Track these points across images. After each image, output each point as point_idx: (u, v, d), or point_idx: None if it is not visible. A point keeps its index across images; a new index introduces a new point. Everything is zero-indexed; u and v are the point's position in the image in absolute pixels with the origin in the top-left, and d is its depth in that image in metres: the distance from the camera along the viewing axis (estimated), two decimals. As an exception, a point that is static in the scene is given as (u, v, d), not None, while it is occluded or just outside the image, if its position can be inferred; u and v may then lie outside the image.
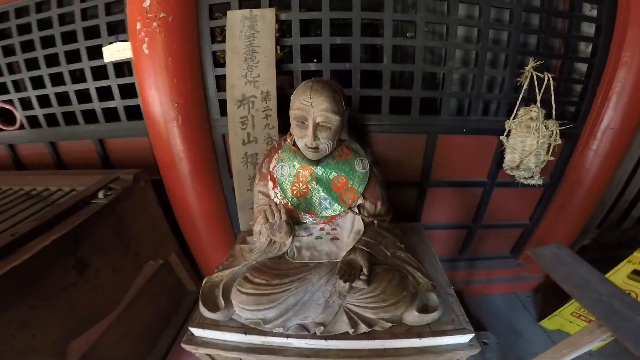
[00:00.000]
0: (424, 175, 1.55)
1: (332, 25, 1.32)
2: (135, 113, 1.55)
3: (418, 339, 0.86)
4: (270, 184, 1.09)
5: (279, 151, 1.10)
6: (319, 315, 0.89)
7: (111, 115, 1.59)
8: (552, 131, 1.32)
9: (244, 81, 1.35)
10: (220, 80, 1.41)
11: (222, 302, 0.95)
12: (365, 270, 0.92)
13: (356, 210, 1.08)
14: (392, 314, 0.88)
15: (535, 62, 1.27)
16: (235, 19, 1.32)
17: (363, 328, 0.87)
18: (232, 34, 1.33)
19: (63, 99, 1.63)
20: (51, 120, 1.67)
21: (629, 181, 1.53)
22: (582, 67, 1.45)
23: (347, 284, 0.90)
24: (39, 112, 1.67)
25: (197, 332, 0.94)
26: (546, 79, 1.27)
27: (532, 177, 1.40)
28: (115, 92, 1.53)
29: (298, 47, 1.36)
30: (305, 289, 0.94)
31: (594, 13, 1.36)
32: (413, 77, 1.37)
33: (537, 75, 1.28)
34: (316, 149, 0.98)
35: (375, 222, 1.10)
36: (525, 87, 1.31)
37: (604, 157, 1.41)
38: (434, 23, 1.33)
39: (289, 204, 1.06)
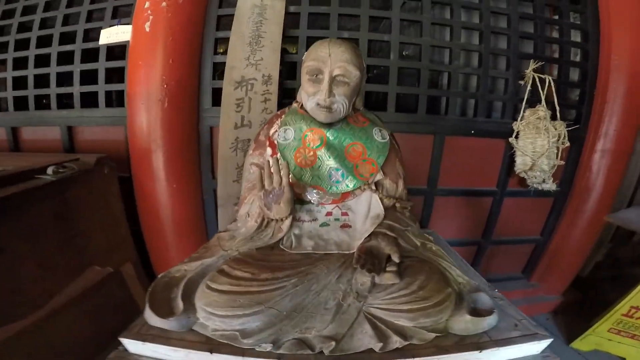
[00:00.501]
0: (431, 181, 1.33)
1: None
2: (114, 102, 1.36)
3: (478, 352, 0.53)
4: (269, 151, 0.81)
5: (282, 116, 0.85)
6: (328, 325, 0.55)
7: (87, 102, 1.36)
8: (560, 133, 1.21)
9: (245, 63, 1.18)
10: (218, 68, 1.25)
11: (180, 305, 0.58)
12: (395, 258, 0.62)
13: (374, 187, 0.80)
14: (436, 318, 0.55)
15: (536, 63, 1.21)
16: (246, 6, 1.22)
17: (395, 341, 0.53)
18: (240, 20, 1.21)
19: (36, 81, 1.39)
20: (20, 103, 1.40)
21: (637, 187, 1.37)
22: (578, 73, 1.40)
23: (371, 275, 0.58)
24: (10, 94, 1.40)
25: (133, 345, 0.55)
26: (547, 81, 1.21)
27: (544, 181, 1.24)
28: (101, 75, 1.32)
29: (304, 38, 1.25)
30: (308, 288, 0.60)
31: (578, 21, 1.37)
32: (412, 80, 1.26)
33: (538, 77, 1.22)
34: (329, 108, 0.75)
35: (398, 205, 0.82)
36: (529, 87, 1.23)
37: (611, 160, 1.29)
38: (439, 24, 1.27)
39: (291, 174, 0.77)
